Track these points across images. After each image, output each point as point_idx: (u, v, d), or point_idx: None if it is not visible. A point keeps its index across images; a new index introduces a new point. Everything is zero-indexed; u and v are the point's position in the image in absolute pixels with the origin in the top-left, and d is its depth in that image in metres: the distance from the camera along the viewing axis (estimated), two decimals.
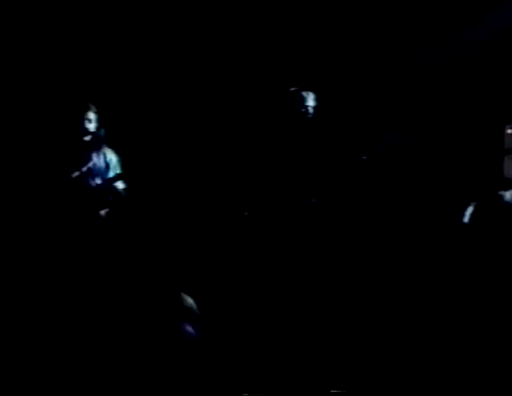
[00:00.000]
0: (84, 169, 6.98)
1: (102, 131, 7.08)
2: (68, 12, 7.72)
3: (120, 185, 7.07)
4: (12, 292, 6.04)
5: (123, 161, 7.13)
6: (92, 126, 7.03)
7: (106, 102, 7.38)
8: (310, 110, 7.15)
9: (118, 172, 7.08)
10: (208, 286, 5.98)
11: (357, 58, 7.94)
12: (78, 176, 6.95)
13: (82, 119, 7.01)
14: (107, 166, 7.06)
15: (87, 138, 7.02)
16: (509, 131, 7.36)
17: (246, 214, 6.93)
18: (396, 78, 7.91)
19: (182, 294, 4.63)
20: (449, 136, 7.58)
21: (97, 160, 7.05)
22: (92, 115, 7.03)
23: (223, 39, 7.94)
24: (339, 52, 7.95)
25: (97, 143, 7.05)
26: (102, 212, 6.94)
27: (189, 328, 3.52)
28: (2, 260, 6.33)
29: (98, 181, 7.02)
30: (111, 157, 7.10)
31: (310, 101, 7.19)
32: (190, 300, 4.01)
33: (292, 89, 7.24)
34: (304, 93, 7.19)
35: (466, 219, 3.91)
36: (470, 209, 4.06)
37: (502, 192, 3.88)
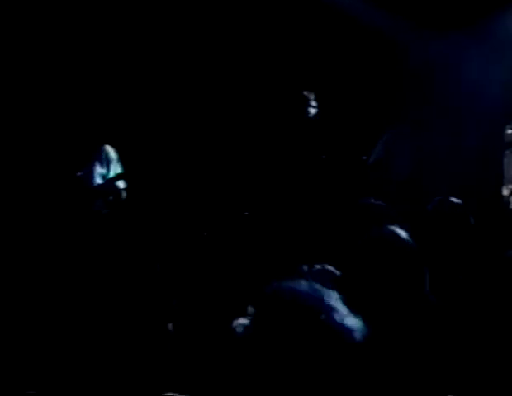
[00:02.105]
0: (86, 169, 6.99)
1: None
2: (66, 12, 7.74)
3: (120, 184, 7.07)
4: (12, 292, 6.04)
5: (124, 160, 7.14)
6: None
7: (107, 102, 7.39)
8: (312, 110, 7.14)
9: (119, 171, 7.09)
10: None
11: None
12: (79, 175, 6.96)
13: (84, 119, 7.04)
14: (108, 165, 7.07)
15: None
16: (509, 131, 7.36)
17: (246, 213, 6.94)
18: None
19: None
20: None
21: (98, 160, 7.06)
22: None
23: (226, 40, 7.94)
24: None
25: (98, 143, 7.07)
26: (103, 212, 6.94)
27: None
28: (2, 259, 6.33)
29: (99, 180, 7.02)
30: (112, 156, 7.10)
31: (312, 101, 7.17)
32: None
33: (294, 90, 7.24)
34: (305, 93, 7.18)
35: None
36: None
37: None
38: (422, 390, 3.10)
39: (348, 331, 1.80)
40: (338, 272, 3.77)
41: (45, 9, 7.60)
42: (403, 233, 3.42)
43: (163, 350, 3.19)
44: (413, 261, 3.31)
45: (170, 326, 3.28)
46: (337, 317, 1.82)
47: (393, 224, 3.64)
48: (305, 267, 3.88)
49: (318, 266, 3.82)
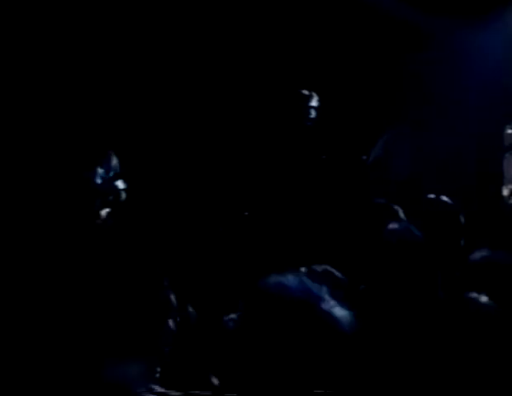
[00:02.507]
0: (88, 170, 6.99)
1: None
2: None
3: (120, 184, 7.07)
4: (12, 292, 6.03)
5: (123, 160, 7.14)
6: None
7: (107, 102, 7.40)
8: (313, 110, 7.13)
9: (118, 171, 7.09)
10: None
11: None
12: (83, 176, 6.96)
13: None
14: (109, 167, 7.07)
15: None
16: (509, 131, 7.37)
17: (246, 214, 6.93)
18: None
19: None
20: None
21: (99, 161, 7.06)
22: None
23: (225, 39, 7.93)
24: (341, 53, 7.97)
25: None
26: (103, 212, 6.94)
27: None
28: (2, 260, 6.32)
29: (98, 180, 7.02)
30: (113, 159, 7.10)
31: (313, 101, 7.16)
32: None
33: (294, 90, 7.23)
34: (306, 93, 7.17)
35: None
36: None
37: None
38: (425, 387, 3.10)
39: (337, 321, 1.80)
40: (338, 273, 3.77)
41: (45, 9, 7.61)
42: (417, 232, 3.47)
43: (161, 346, 3.19)
44: (429, 258, 3.34)
45: (171, 322, 3.28)
46: (325, 307, 1.81)
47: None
48: (304, 269, 3.87)
49: (317, 267, 3.82)
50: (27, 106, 7.55)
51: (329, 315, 1.84)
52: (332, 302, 1.87)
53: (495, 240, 6.15)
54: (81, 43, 7.74)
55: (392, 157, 7.39)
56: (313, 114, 7.06)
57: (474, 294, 3.45)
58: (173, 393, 3.23)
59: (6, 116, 7.48)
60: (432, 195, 4.77)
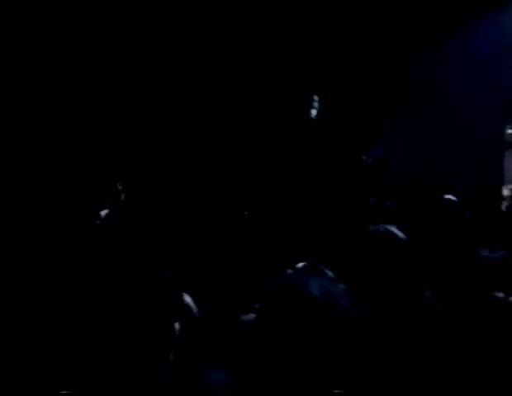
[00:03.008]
0: (89, 171, 6.99)
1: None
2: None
3: (120, 186, 7.06)
4: (12, 292, 6.01)
5: (122, 161, 7.14)
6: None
7: (105, 102, 7.39)
8: (312, 111, 7.14)
9: (118, 173, 7.08)
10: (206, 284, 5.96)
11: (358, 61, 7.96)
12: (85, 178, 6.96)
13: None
14: (108, 167, 7.06)
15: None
16: (509, 131, 7.38)
17: (246, 214, 6.92)
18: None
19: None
20: None
21: (99, 162, 7.06)
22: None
23: (227, 39, 7.93)
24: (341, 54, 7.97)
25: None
26: (102, 213, 6.93)
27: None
28: (2, 260, 6.30)
29: (99, 182, 7.01)
30: (112, 158, 7.10)
31: (314, 102, 7.17)
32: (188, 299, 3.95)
33: (295, 90, 7.24)
34: (306, 94, 7.18)
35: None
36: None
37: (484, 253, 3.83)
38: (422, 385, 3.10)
39: (357, 320, 1.78)
40: (329, 272, 3.77)
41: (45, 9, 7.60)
42: (399, 232, 3.41)
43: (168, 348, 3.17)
44: (407, 261, 3.30)
45: (177, 325, 3.25)
46: (345, 307, 1.80)
47: (394, 223, 3.63)
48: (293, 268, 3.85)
49: (306, 264, 3.80)
50: (27, 107, 7.54)
51: (350, 315, 1.83)
52: (350, 301, 1.86)
53: (495, 240, 6.14)
54: (81, 43, 7.74)
55: (392, 157, 7.40)
56: (313, 114, 7.07)
57: (472, 295, 3.45)
58: None
59: (5, 117, 7.47)
60: (442, 196, 4.79)
